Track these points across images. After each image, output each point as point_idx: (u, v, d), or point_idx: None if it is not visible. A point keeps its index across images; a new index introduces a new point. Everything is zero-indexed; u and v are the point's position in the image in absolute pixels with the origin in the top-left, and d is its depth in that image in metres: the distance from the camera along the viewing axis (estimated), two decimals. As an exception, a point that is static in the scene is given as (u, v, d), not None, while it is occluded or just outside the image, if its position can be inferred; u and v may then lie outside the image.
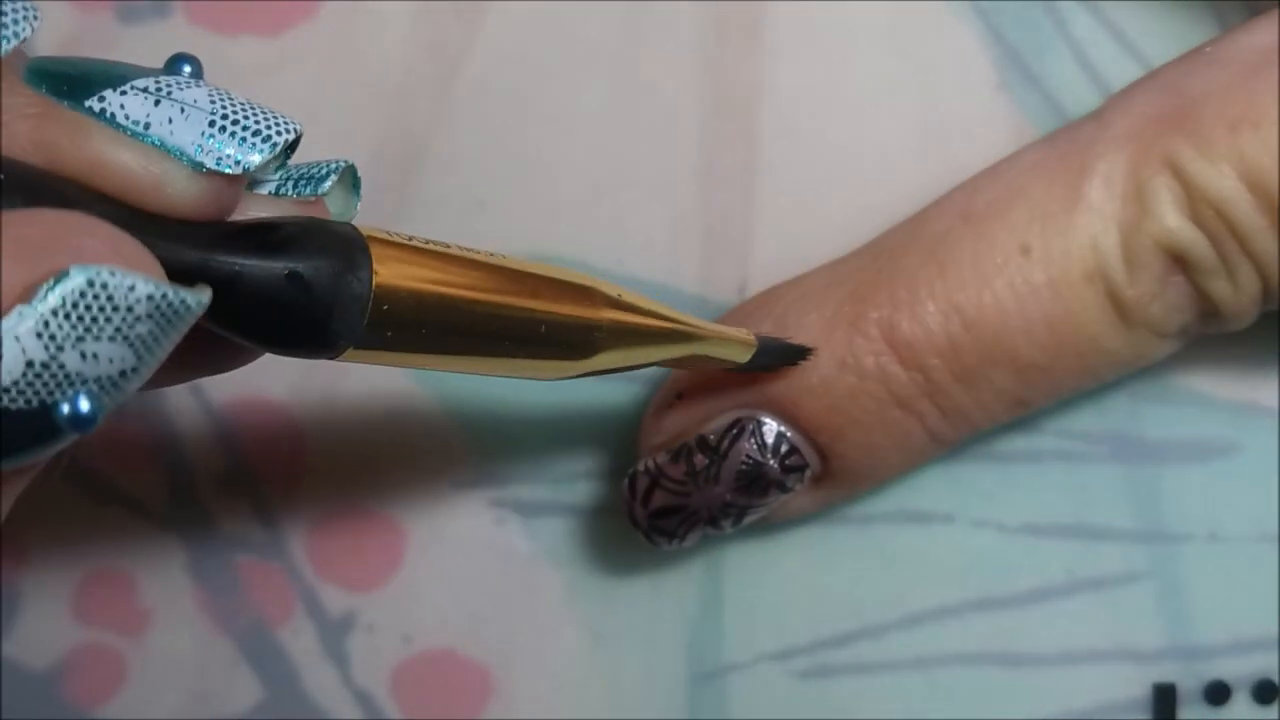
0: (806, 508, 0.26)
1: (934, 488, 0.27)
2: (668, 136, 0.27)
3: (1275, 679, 0.27)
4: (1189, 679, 0.27)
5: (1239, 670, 0.27)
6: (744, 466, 0.25)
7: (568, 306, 0.21)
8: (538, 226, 0.28)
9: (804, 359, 0.24)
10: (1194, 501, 0.27)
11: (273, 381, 0.28)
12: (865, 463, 0.25)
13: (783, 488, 0.25)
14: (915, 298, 0.24)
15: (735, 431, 0.25)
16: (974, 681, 0.27)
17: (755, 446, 0.25)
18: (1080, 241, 0.23)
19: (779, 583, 0.28)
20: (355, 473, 0.28)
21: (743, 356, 0.24)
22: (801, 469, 0.25)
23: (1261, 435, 0.27)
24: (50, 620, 0.28)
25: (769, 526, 0.27)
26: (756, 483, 0.25)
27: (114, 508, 0.28)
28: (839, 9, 0.27)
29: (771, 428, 0.25)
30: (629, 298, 0.22)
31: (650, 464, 0.25)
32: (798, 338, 0.24)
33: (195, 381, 0.28)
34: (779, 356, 0.24)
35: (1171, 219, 0.23)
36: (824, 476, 0.25)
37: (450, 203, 0.28)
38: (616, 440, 0.28)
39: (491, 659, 0.28)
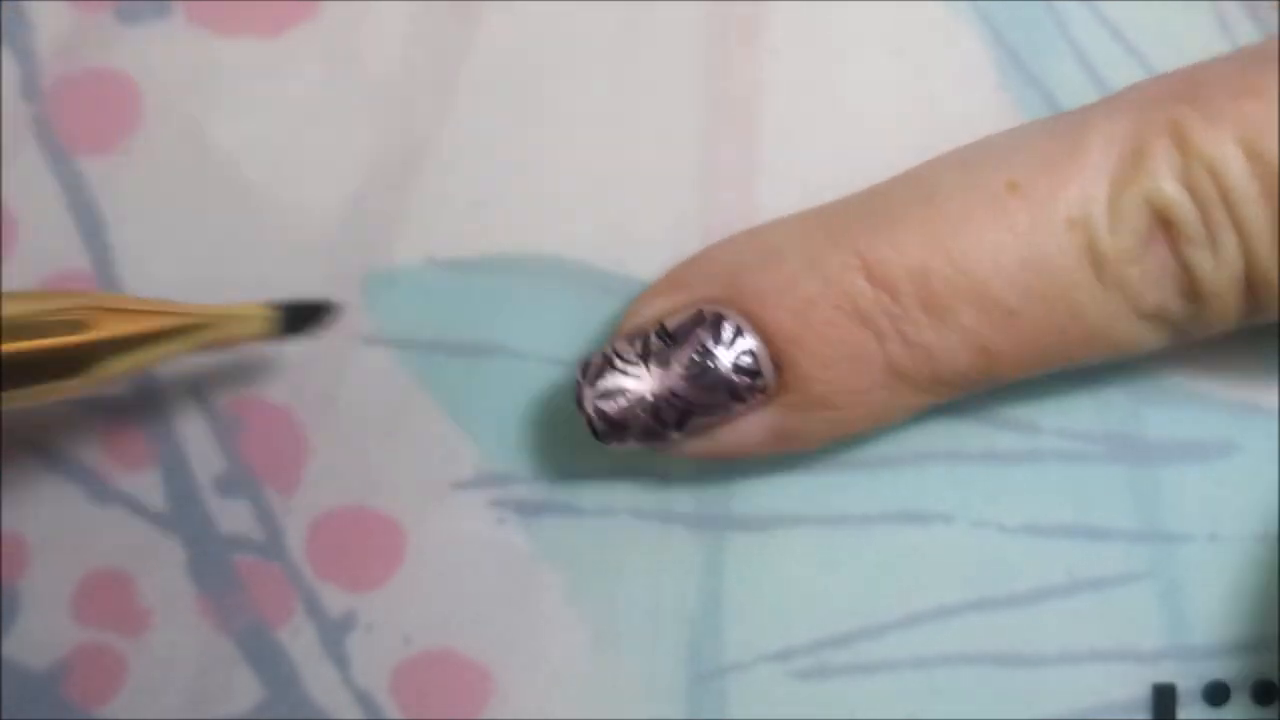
0: (760, 439, 0.26)
1: (934, 488, 0.27)
2: (668, 136, 0.27)
3: (1275, 679, 0.27)
4: (1189, 679, 0.27)
5: (1239, 670, 0.27)
6: (695, 355, 0.25)
7: (53, 336, 0.23)
8: (538, 226, 0.28)
9: (329, 315, 0.26)
10: (1194, 501, 0.27)
11: (273, 381, 0.28)
12: (820, 379, 0.25)
13: (732, 391, 0.25)
14: (894, 222, 0.24)
15: (693, 321, 0.25)
16: (974, 681, 0.27)
17: (710, 337, 0.25)
18: (1068, 186, 0.24)
19: (779, 583, 0.28)
20: (355, 473, 0.28)
21: (268, 329, 0.25)
22: (754, 374, 0.25)
23: (1261, 435, 0.27)
24: (50, 620, 0.28)
25: (768, 525, 0.27)
26: (705, 375, 0.25)
27: (114, 508, 0.28)
28: (839, 9, 0.27)
29: (731, 323, 0.25)
30: (123, 304, 0.24)
31: (608, 348, 0.25)
32: (772, 242, 0.25)
33: (195, 381, 0.28)
34: (309, 316, 0.26)
35: (1163, 177, 0.23)
36: (778, 394, 0.25)
37: (450, 203, 0.28)
38: (616, 440, 0.28)
39: (491, 659, 0.28)
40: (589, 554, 0.28)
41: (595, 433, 0.25)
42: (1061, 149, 0.24)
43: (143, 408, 0.28)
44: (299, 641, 0.28)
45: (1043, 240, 0.24)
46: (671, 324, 0.25)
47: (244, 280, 0.28)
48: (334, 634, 0.28)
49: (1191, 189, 0.23)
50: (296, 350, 0.28)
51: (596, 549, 0.28)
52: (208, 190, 0.28)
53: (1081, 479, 0.27)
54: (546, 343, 0.28)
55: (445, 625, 0.28)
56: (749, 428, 0.26)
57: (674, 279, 0.26)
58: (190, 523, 0.28)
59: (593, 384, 0.25)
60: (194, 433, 0.28)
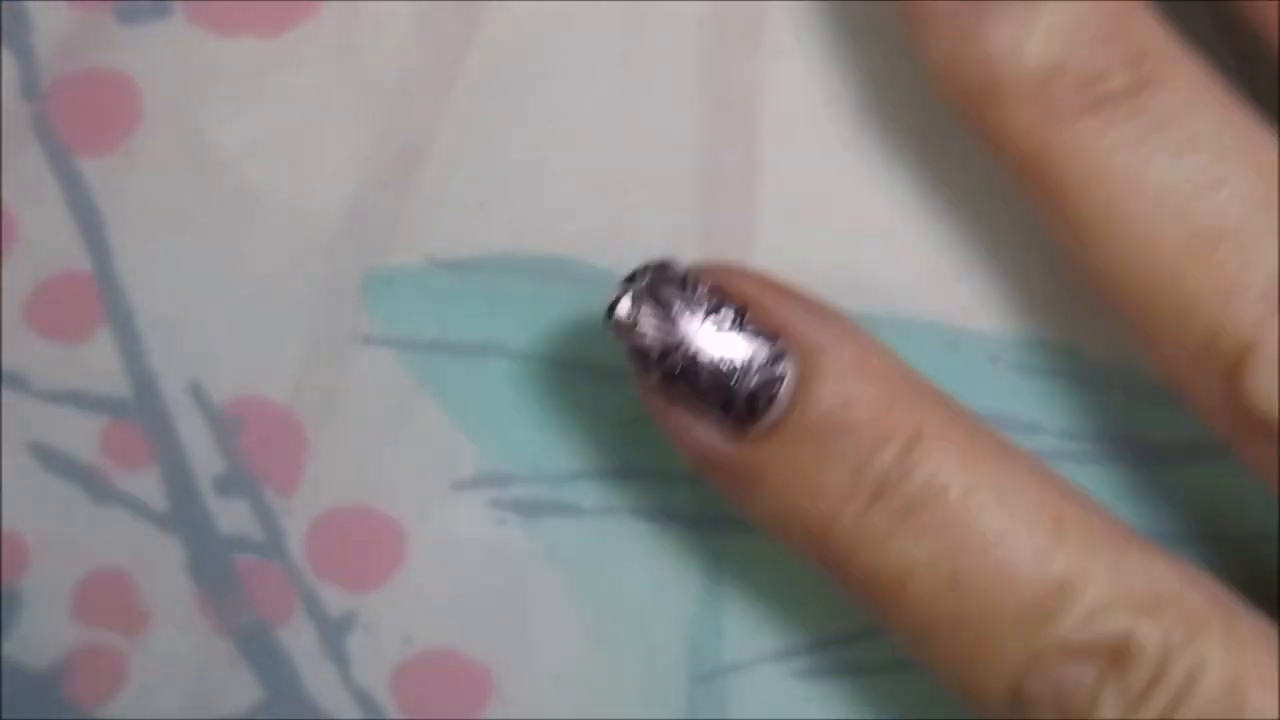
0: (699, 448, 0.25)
1: (934, 488, 0.27)
2: (668, 136, 0.27)
3: (1275, 679, 0.27)
4: (1189, 679, 0.27)
5: (1239, 670, 0.27)
6: (735, 359, 0.23)
7: None
8: (538, 226, 0.28)
9: None
10: (1194, 501, 0.27)
11: (273, 381, 0.28)
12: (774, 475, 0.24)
13: (725, 404, 0.23)
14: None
15: (769, 337, 0.23)
16: (974, 681, 0.27)
17: (764, 362, 0.23)
18: (1101, 557, 0.23)
19: (779, 583, 0.28)
20: (355, 473, 0.28)
21: None
22: (752, 411, 0.23)
23: (1261, 435, 0.27)
24: (50, 620, 0.28)
25: (769, 526, 0.27)
26: (724, 379, 0.23)
27: (114, 508, 0.28)
28: (839, 9, 0.27)
29: (790, 371, 0.23)
30: None
31: (695, 273, 0.24)
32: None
33: (195, 381, 0.28)
34: None
35: (1158, 632, 0.23)
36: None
37: (450, 203, 0.28)
38: (616, 440, 0.28)
39: (491, 659, 0.28)
40: (589, 554, 0.28)
41: (615, 308, 0.24)
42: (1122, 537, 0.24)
43: (142, 408, 0.28)
44: (299, 641, 0.28)
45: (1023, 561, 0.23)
46: (754, 320, 0.23)
47: (244, 280, 0.28)
48: (334, 634, 0.28)
49: (1165, 659, 0.22)
50: (296, 350, 0.28)
51: (596, 549, 0.28)
52: (208, 190, 0.28)
53: (1081, 479, 0.27)
54: (546, 343, 0.28)
55: (445, 625, 0.28)
56: (707, 432, 0.24)
57: (813, 308, 0.24)
58: (190, 523, 0.28)
59: (648, 273, 0.24)
60: (194, 433, 0.28)
